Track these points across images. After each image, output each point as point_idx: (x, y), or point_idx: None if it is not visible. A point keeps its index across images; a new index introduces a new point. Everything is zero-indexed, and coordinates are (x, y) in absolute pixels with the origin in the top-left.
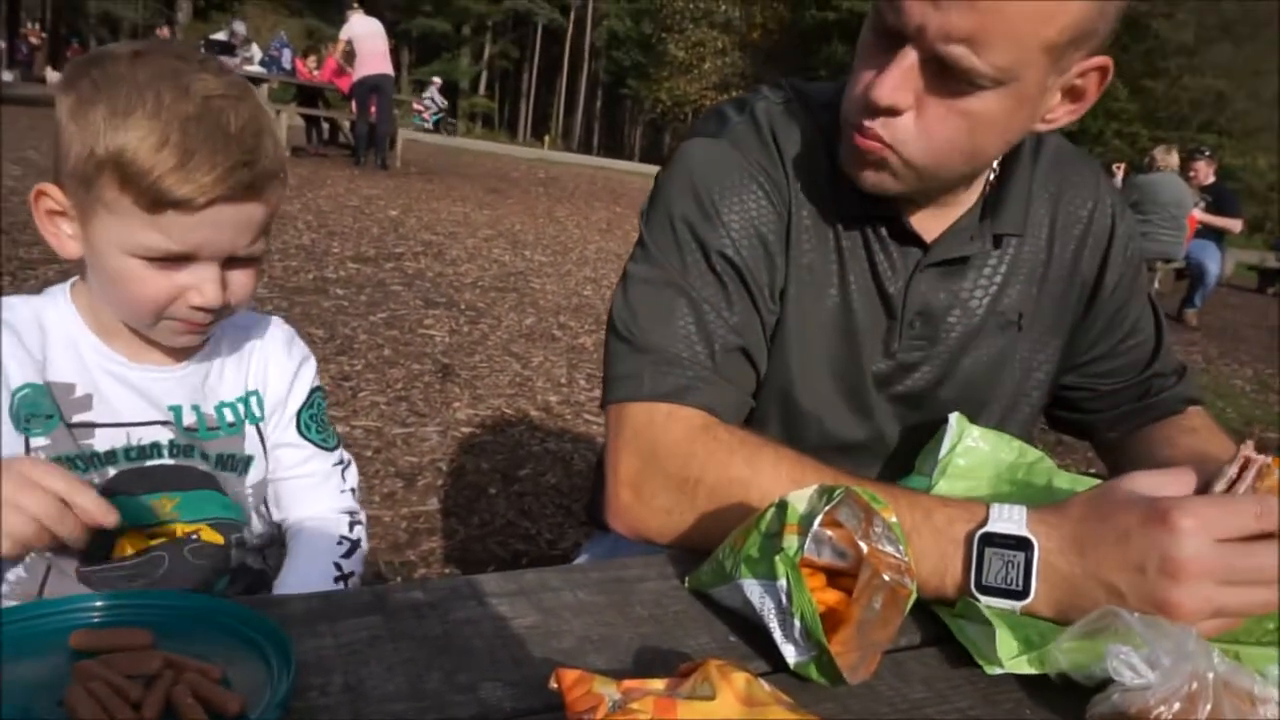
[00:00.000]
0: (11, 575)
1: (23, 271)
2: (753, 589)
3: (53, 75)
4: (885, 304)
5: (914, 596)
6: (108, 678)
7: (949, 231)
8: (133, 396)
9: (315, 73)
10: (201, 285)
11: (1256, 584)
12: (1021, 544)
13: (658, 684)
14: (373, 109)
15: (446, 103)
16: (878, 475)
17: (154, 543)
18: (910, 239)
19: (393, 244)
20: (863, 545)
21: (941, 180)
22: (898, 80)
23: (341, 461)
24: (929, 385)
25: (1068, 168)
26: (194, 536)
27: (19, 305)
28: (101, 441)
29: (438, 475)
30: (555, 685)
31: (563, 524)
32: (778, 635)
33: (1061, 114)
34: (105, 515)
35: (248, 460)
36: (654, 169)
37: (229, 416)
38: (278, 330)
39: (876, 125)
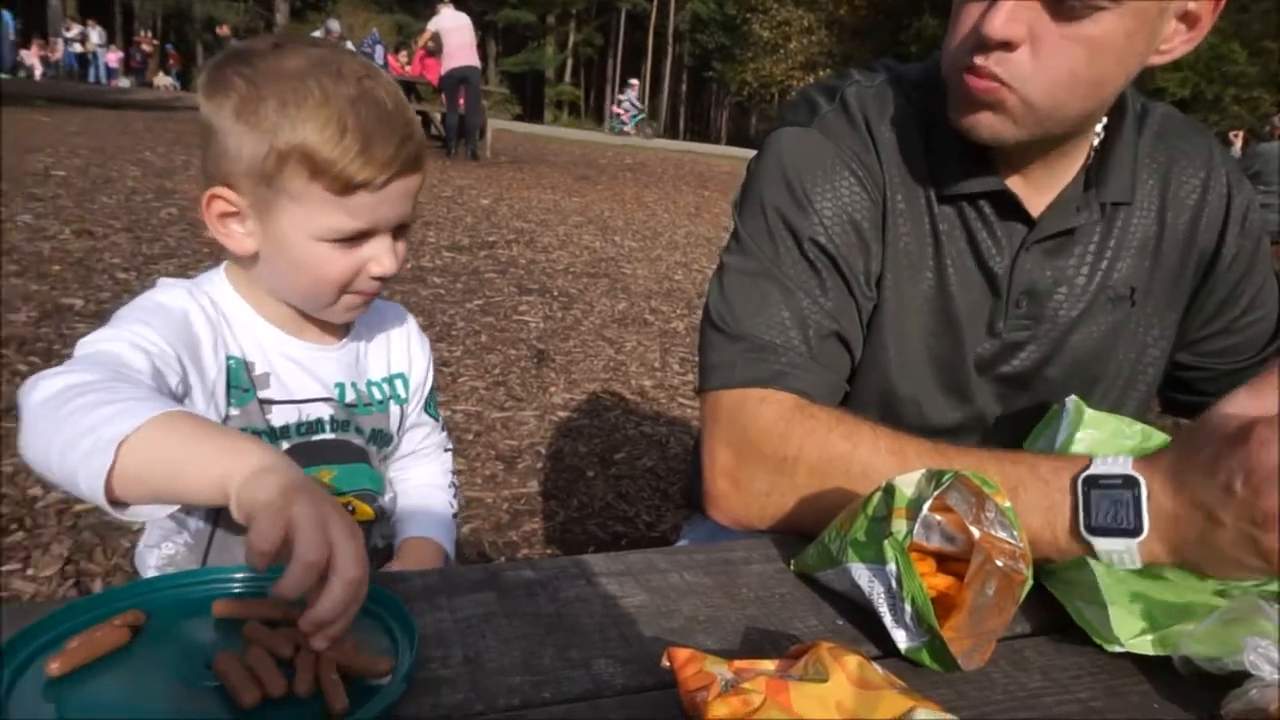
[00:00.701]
0: (172, 545)
1: (146, 267)
2: (861, 573)
3: (163, 79)
4: (990, 283)
5: (1029, 583)
6: (263, 642)
7: (1055, 204)
8: (303, 374)
9: (407, 68)
10: (380, 256)
11: None
12: (1129, 482)
13: (768, 665)
14: (461, 101)
15: (644, 105)
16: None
17: None
18: (1014, 214)
19: (486, 232)
20: (974, 530)
21: (1060, 121)
22: (1010, 11)
23: (445, 430)
24: (1035, 365)
25: (1177, 138)
26: (352, 509)
27: (194, 287)
28: (277, 417)
29: (536, 458)
30: (667, 663)
31: (660, 507)
32: (888, 620)
33: (1178, 43)
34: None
35: (392, 437)
36: (741, 152)
37: (378, 394)
38: (410, 317)
39: (990, 63)
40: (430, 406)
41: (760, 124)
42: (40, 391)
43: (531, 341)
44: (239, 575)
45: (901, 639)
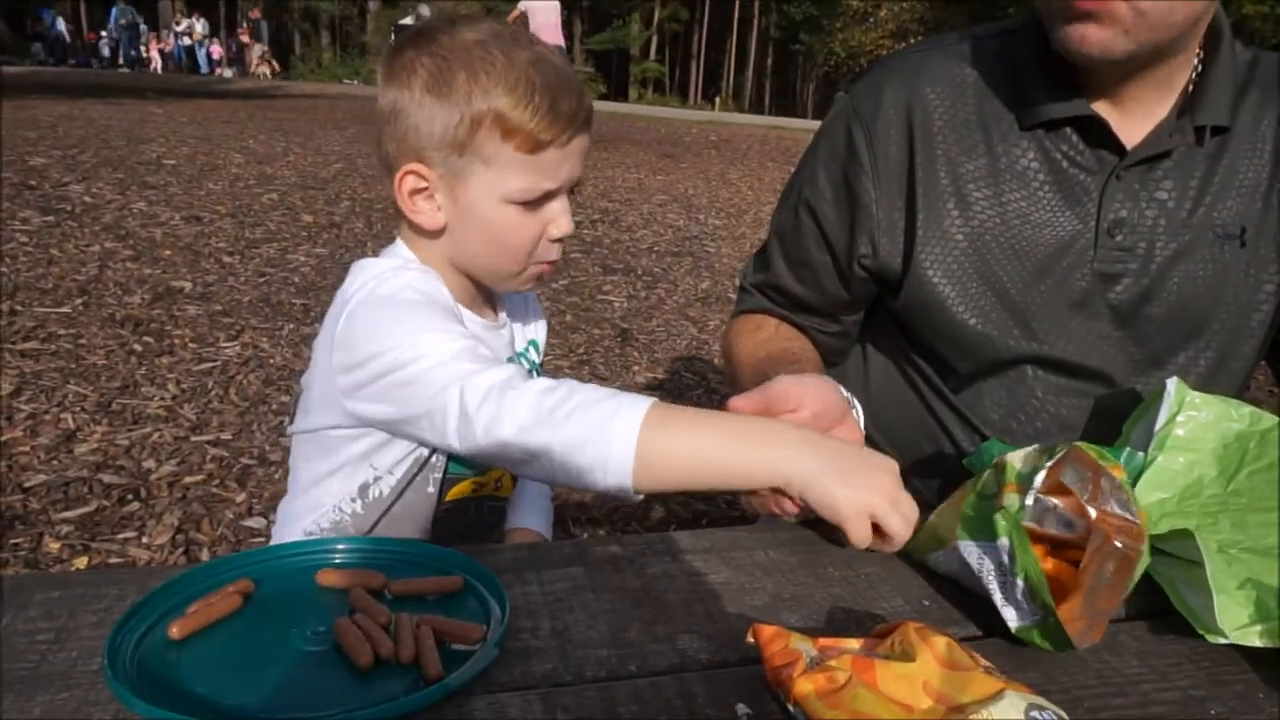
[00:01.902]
0: (337, 513)
1: (249, 250)
2: (971, 551)
3: (261, 68)
4: (1077, 211)
5: (1145, 561)
6: (370, 612)
7: (1150, 133)
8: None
9: None
10: (559, 217)
11: None
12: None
13: (853, 643)
14: None
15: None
16: (1076, 396)
17: (472, 494)
18: (1103, 141)
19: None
20: (1091, 510)
21: (1170, 25)
22: None
23: None
24: (1134, 301)
25: None
26: (499, 484)
27: (404, 267)
28: None
29: None
30: (752, 639)
31: None
32: (998, 598)
33: None
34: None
35: None
36: None
37: (524, 365)
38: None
39: None
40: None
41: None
42: (513, 417)
43: (615, 321)
44: (339, 547)
45: (1011, 617)
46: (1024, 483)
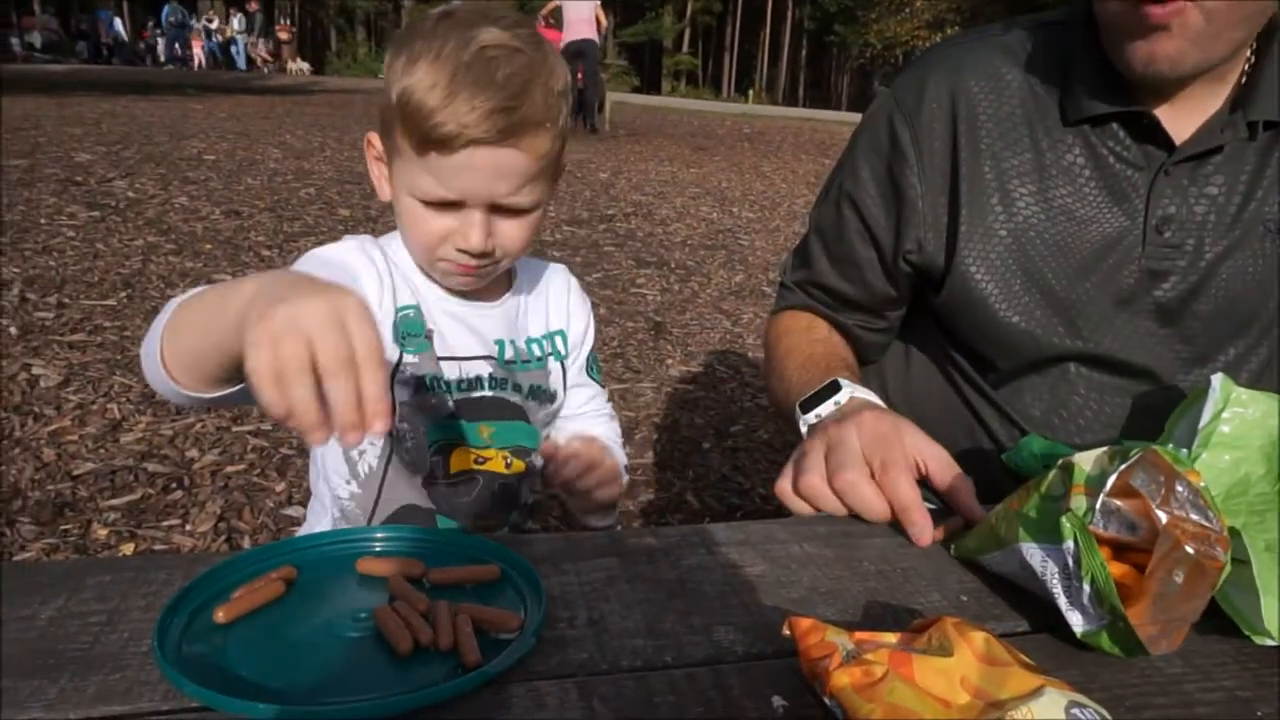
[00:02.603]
0: (346, 492)
1: (287, 244)
2: (1033, 553)
3: (300, 65)
4: (1124, 208)
5: (1228, 568)
6: (410, 599)
7: (1200, 128)
8: (464, 331)
9: None
10: (466, 230)
11: None
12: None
13: (890, 638)
14: (579, 74)
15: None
16: (1120, 394)
17: (476, 466)
18: (1152, 137)
19: (604, 206)
20: (1161, 515)
21: (1237, 24)
22: None
23: (608, 400)
24: (1182, 297)
25: None
26: (509, 463)
27: (369, 241)
28: (443, 371)
29: (653, 430)
30: (788, 632)
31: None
32: (1062, 602)
33: None
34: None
35: (554, 394)
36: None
37: (536, 351)
38: (570, 275)
39: None
40: (592, 369)
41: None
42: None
43: (649, 314)
44: (379, 535)
45: (1077, 622)
46: (1093, 486)
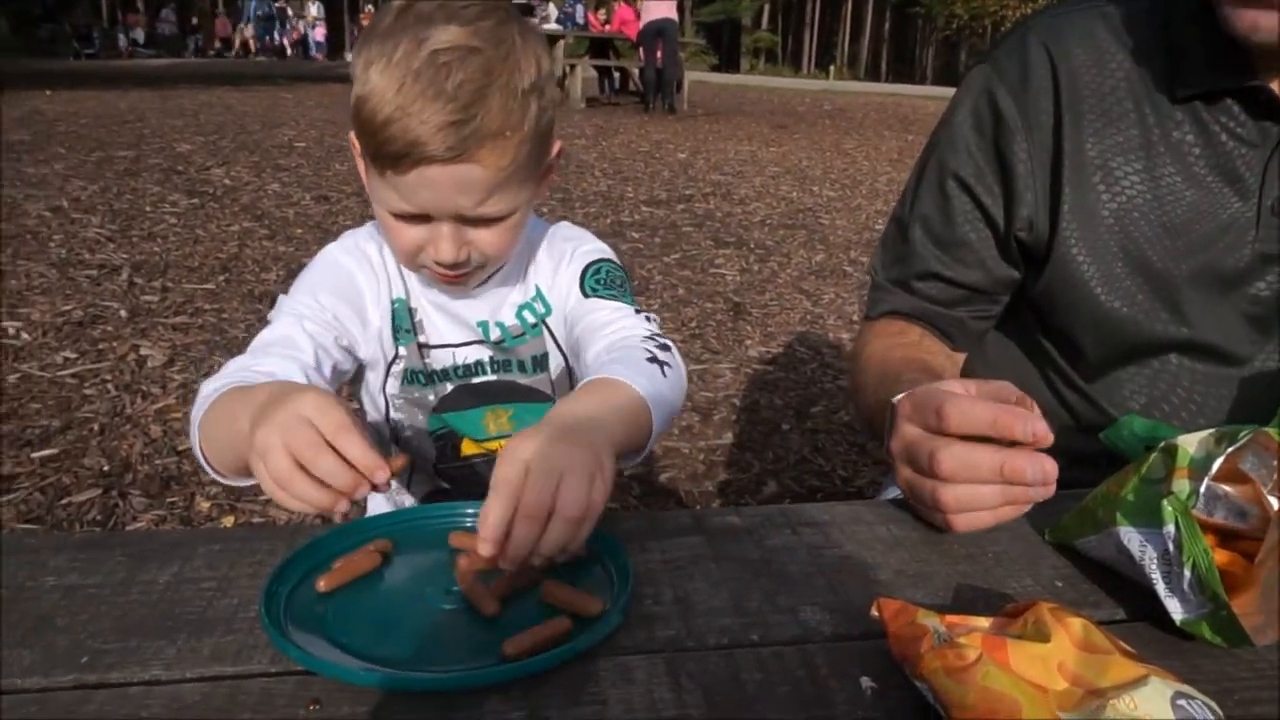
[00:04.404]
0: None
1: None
2: (1131, 538)
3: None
4: (1236, 188)
5: None
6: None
7: None
8: (448, 319)
9: (606, 25)
10: (437, 242)
11: None
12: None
13: (983, 622)
14: (659, 54)
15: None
16: (1225, 384)
17: (479, 455)
18: (1270, 113)
19: (683, 186)
20: (1273, 500)
21: None
22: None
23: (644, 312)
24: None
25: None
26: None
27: (366, 236)
28: (435, 361)
29: (732, 410)
30: (877, 614)
31: (856, 462)
32: (1161, 589)
33: None
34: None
35: (558, 356)
36: (948, 91)
37: (529, 318)
38: (548, 228)
39: None
40: (599, 288)
41: (970, 60)
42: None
43: (728, 294)
44: (469, 511)
45: (1176, 609)
46: (1198, 469)
